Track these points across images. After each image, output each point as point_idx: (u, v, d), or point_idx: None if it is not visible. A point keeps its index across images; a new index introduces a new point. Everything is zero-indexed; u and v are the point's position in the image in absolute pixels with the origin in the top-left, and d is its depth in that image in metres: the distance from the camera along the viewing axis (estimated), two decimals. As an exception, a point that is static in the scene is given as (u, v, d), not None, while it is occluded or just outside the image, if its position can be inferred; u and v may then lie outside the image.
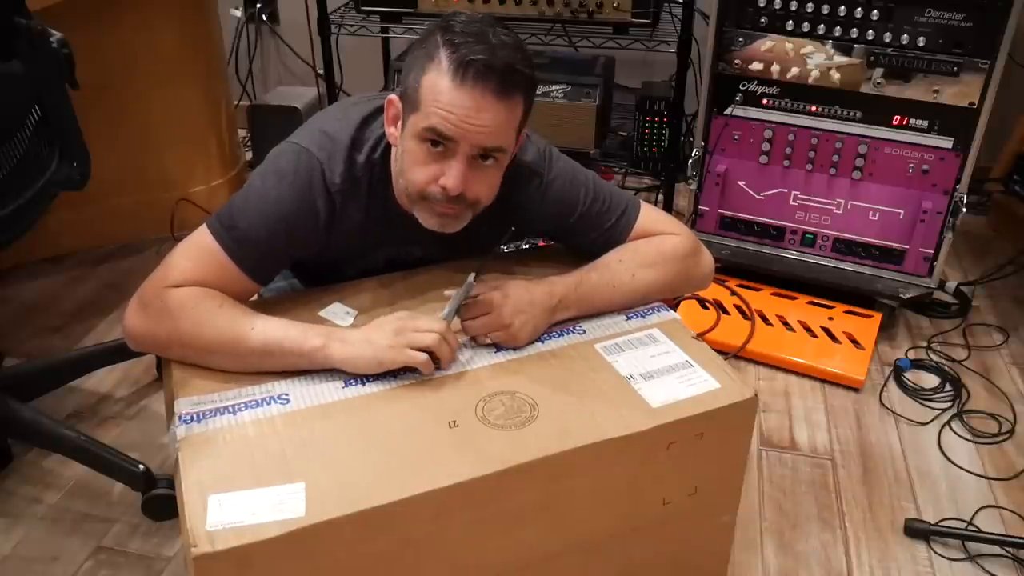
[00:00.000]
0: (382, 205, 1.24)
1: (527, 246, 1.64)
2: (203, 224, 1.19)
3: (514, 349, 1.17)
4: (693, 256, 1.32)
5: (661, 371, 1.11)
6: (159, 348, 1.16)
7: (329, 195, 1.19)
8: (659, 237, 1.31)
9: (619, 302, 1.27)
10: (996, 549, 1.54)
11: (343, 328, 1.16)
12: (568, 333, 1.21)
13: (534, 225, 1.33)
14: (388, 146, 1.22)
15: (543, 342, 1.18)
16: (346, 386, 1.08)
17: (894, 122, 2.01)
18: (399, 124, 1.16)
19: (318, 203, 1.19)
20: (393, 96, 1.18)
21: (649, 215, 1.34)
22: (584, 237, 1.32)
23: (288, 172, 1.18)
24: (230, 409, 1.05)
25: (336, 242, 1.24)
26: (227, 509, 0.90)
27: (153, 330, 1.13)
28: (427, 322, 1.12)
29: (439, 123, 1.09)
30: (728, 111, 2.14)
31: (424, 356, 1.08)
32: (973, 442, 1.82)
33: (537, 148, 1.30)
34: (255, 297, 1.37)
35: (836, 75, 2.00)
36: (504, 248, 1.39)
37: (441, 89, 1.08)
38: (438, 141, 1.10)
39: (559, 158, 1.32)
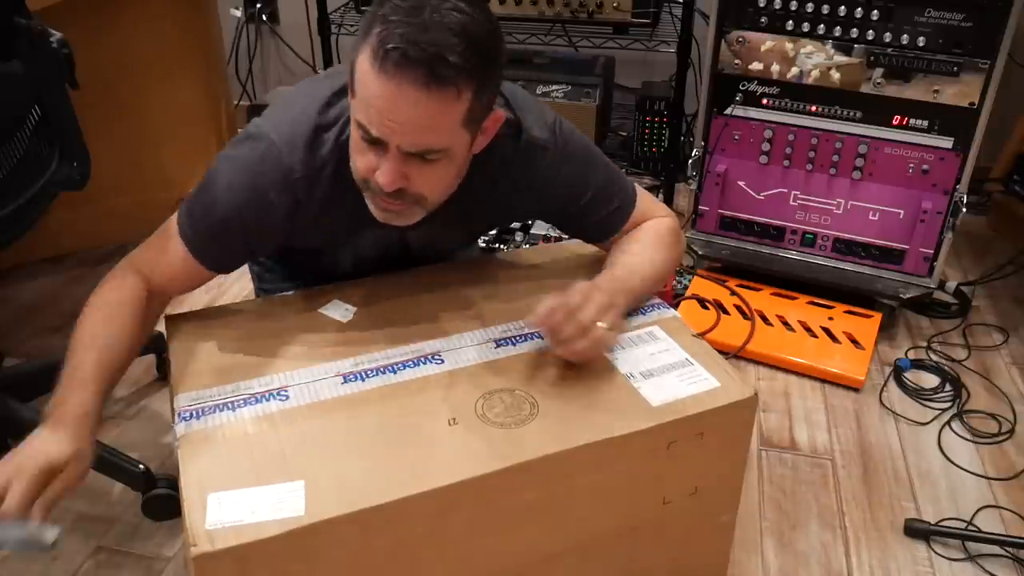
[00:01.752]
0: (355, 187, 1.12)
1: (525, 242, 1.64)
2: (180, 206, 1.19)
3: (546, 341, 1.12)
4: (680, 233, 1.33)
5: (661, 369, 1.11)
6: None
7: (287, 185, 1.12)
8: (654, 221, 1.30)
9: (648, 291, 1.26)
10: (996, 549, 1.54)
11: (58, 448, 0.98)
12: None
13: (544, 204, 1.27)
14: None
15: (543, 339, 1.18)
16: (345, 382, 1.08)
17: (894, 122, 2.01)
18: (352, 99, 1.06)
19: (271, 195, 1.12)
20: None
21: (643, 198, 1.32)
22: (588, 219, 1.28)
23: (243, 161, 1.13)
24: (229, 405, 1.05)
25: (307, 230, 1.19)
26: (227, 508, 0.90)
27: None
28: (12, 467, 0.94)
29: (363, 118, 1.00)
30: (728, 111, 2.14)
31: None
32: (973, 442, 1.82)
33: (546, 121, 1.22)
34: (255, 297, 1.38)
35: (836, 75, 2.00)
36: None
37: (366, 77, 0.97)
38: (366, 136, 1.02)
39: (571, 132, 1.25)
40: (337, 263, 1.31)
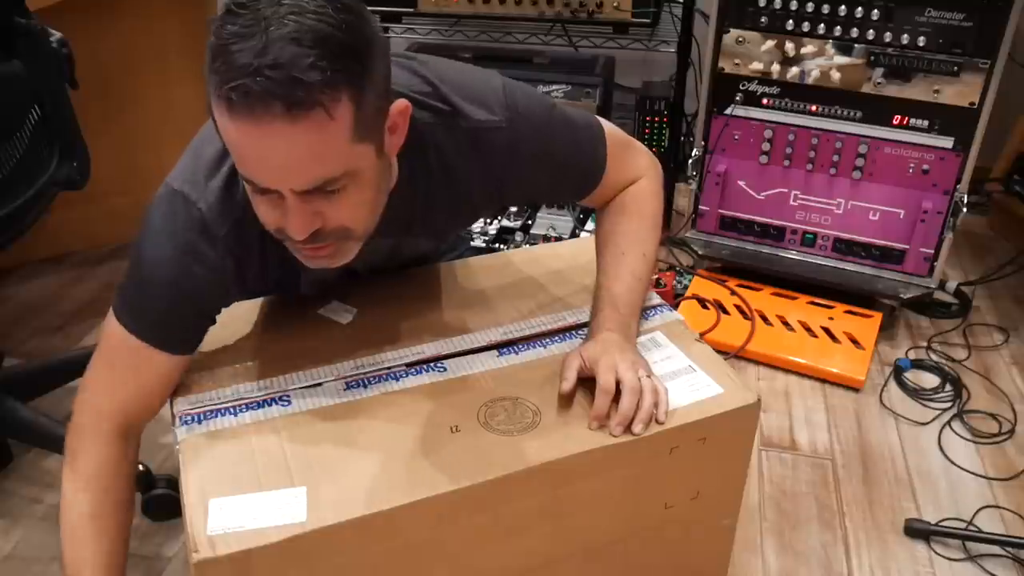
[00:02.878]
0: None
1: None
2: (111, 309, 1.05)
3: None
4: (660, 191, 1.25)
5: (664, 376, 1.10)
6: None
7: (217, 243, 1.00)
8: (635, 194, 1.24)
9: (647, 285, 1.23)
10: (996, 549, 1.54)
11: None
12: (571, 338, 1.20)
13: (510, 187, 1.15)
14: None
15: (545, 347, 1.18)
16: (347, 389, 1.08)
17: (894, 122, 2.01)
18: None
19: (208, 258, 1.00)
20: None
21: (615, 155, 1.20)
22: (558, 190, 1.22)
23: (162, 230, 1.00)
24: (231, 410, 1.05)
25: (257, 280, 1.09)
26: (228, 513, 0.90)
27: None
28: None
29: (243, 171, 0.88)
30: (728, 111, 2.14)
31: None
32: (973, 442, 1.83)
33: (492, 97, 1.09)
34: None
35: (836, 75, 2.00)
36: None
37: (224, 127, 0.85)
38: (255, 186, 0.89)
39: (526, 100, 1.11)
40: (297, 292, 1.21)
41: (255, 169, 0.86)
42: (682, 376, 1.12)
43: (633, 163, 1.26)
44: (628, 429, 1.03)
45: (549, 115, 1.14)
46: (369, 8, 0.89)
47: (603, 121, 1.23)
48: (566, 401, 1.07)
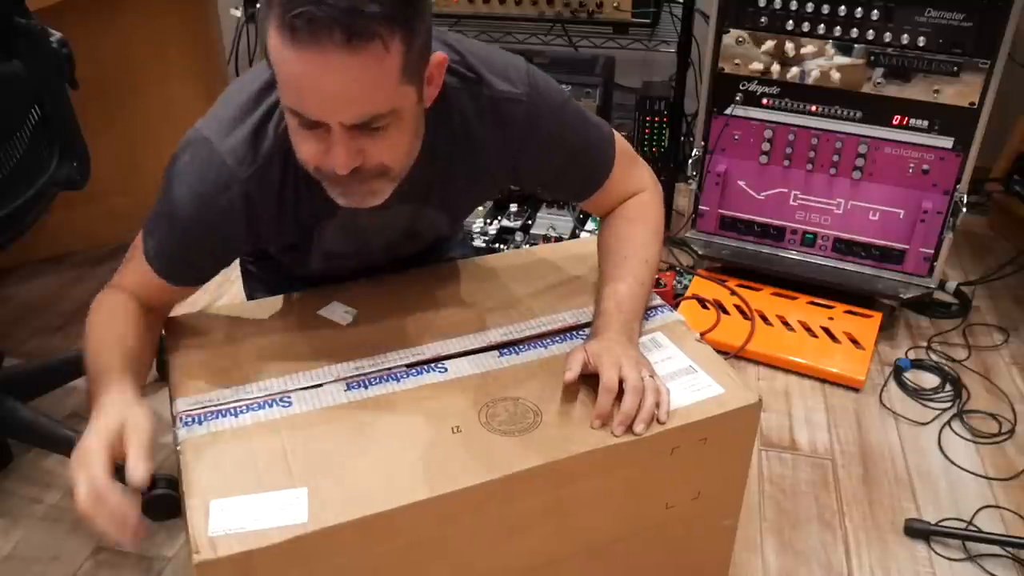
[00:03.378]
0: (307, 178, 1.04)
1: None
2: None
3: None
4: (663, 203, 1.30)
5: (665, 377, 1.10)
6: None
7: (237, 187, 1.05)
8: (638, 204, 1.27)
9: (649, 290, 1.24)
10: (996, 549, 1.54)
11: (116, 410, 0.98)
12: (572, 339, 1.20)
13: (523, 163, 1.18)
14: None
15: (546, 347, 1.18)
16: (348, 390, 1.08)
17: (894, 122, 2.01)
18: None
19: (222, 201, 1.05)
20: None
21: (621, 161, 1.25)
22: (566, 177, 1.24)
23: (187, 172, 1.06)
24: (231, 411, 1.05)
25: (271, 231, 1.12)
26: (229, 514, 0.90)
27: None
28: (85, 482, 0.89)
29: (292, 101, 0.91)
30: (728, 111, 2.14)
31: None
32: (973, 442, 1.83)
33: (515, 72, 1.13)
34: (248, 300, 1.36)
35: (836, 75, 2.00)
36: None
37: (280, 55, 0.88)
38: (303, 122, 0.93)
39: (547, 82, 1.16)
40: (308, 263, 1.24)
41: (310, 99, 0.89)
42: (683, 376, 1.12)
43: (637, 175, 1.29)
44: (630, 429, 1.03)
45: (566, 102, 1.19)
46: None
47: (614, 130, 1.27)
48: (567, 401, 1.07)
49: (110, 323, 1.10)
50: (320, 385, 1.09)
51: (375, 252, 1.28)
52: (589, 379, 1.07)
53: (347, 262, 1.28)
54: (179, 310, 1.25)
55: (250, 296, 1.46)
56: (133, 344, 1.09)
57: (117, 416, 0.95)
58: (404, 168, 1.02)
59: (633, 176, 1.29)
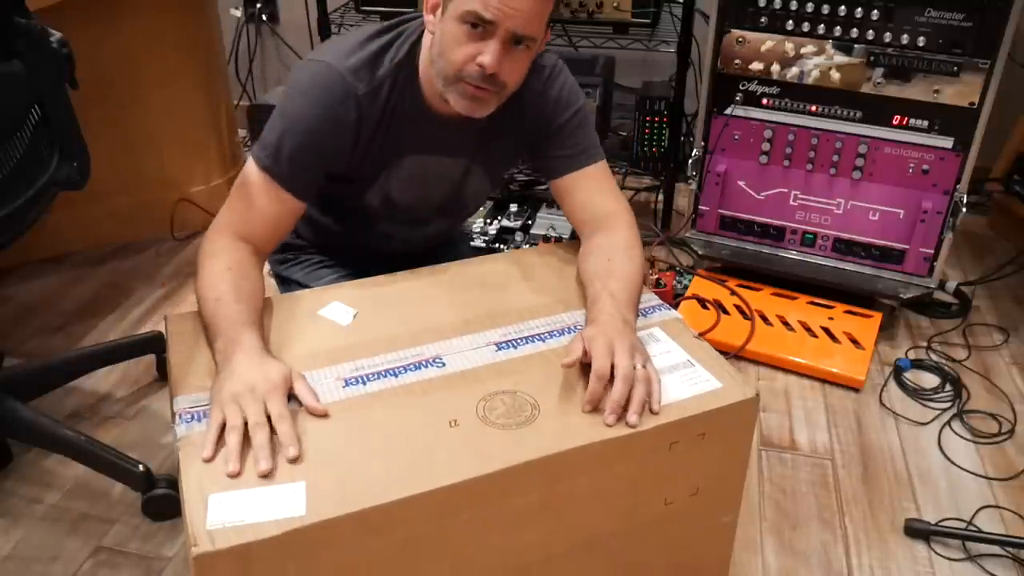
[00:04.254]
0: (410, 104, 1.29)
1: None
2: (249, 157, 1.27)
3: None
4: (636, 227, 1.36)
5: (662, 370, 1.11)
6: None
7: (353, 101, 1.25)
8: (613, 216, 1.35)
9: (639, 286, 1.26)
10: (996, 549, 1.54)
11: (251, 356, 1.06)
12: (570, 332, 1.20)
13: (528, 122, 1.37)
14: (412, 45, 1.28)
15: (544, 341, 1.18)
16: (346, 386, 1.08)
17: (894, 122, 2.01)
18: (439, 11, 1.21)
19: (339, 110, 1.24)
20: None
21: (606, 174, 1.39)
22: (556, 145, 1.37)
23: (309, 87, 1.25)
24: (230, 408, 1.04)
25: (363, 148, 1.30)
26: (227, 508, 0.90)
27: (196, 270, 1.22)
28: (257, 409, 0.99)
29: (479, 6, 1.14)
30: (728, 111, 2.14)
31: (234, 442, 0.96)
32: (973, 442, 1.82)
33: (552, 56, 1.38)
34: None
35: (836, 75, 2.00)
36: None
37: None
38: (477, 23, 1.15)
39: (569, 74, 1.39)
40: (364, 199, 1.39)
41: (495, 5, 1.13)
42: (681, 370, 1.12)
43: (614, 194, 1.39)
44: (622, 418, 1.03)
45: (580, 93, 1.40)
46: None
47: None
48: (565, 394, 1.07)
49: (241, 271, 1.19)
50: (318, 383, 1.09)
51: (422, 213, 1.47)
52: (587, 370, 1.07)
53: (394, 218, 1.44)
54: (179, 310, 1.25)
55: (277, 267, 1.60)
56: (256, 300, 1.18)
57: (281, 366, 1.06)
58: (512, 90, 1.25)
59: (611, 192, 1.38)
